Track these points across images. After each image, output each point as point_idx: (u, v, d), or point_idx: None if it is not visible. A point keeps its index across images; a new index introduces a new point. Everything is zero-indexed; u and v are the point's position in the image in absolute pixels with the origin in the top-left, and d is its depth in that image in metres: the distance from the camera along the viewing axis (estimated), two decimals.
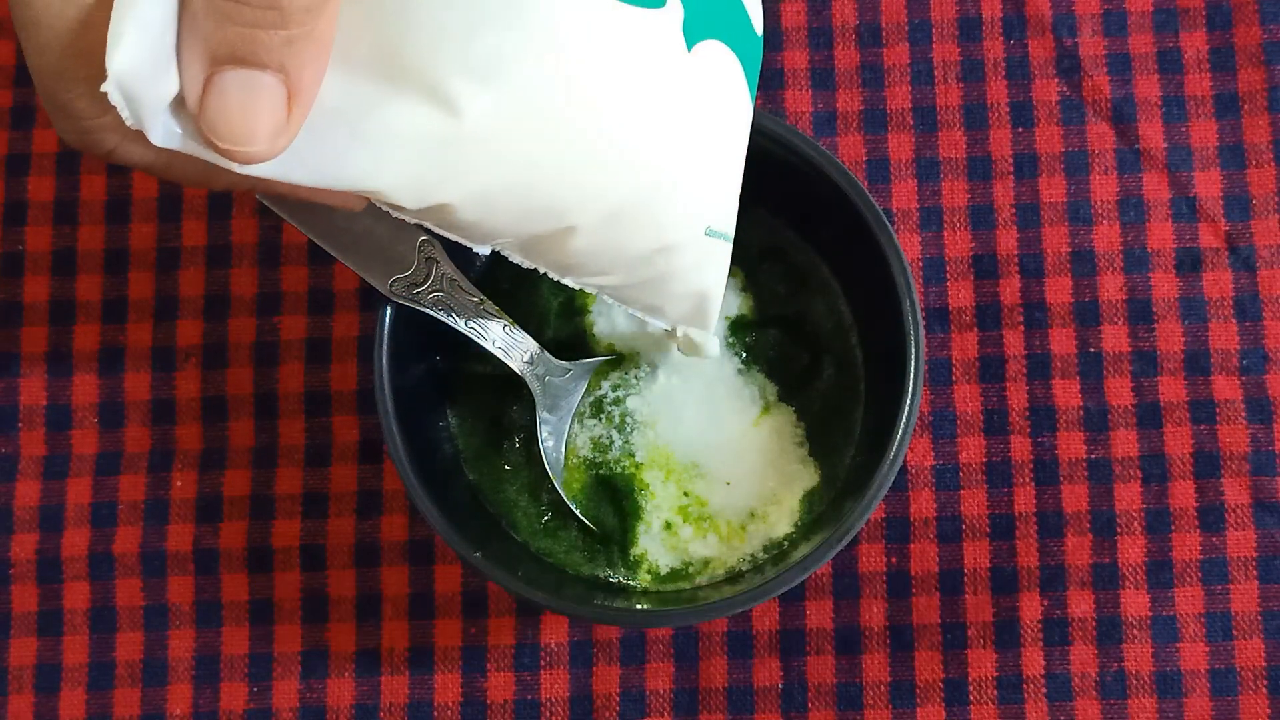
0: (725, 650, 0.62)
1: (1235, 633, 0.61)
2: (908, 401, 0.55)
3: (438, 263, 0.55)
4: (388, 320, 0.56)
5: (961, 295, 0.64)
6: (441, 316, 0.56)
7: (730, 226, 0.52)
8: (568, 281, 0.49)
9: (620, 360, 0.61)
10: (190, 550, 0.63)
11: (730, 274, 0.62)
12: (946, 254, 0.65)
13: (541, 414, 0.59)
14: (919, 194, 0.65)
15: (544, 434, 0.59)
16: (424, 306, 0.56)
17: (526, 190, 0.43)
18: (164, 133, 0.38)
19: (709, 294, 0.52)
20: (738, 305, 0.61)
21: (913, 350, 0.55)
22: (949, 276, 0.64)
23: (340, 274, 0.65)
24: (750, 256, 0.61)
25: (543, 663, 0.62)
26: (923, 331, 0.56)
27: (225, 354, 0.65)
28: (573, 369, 0.60)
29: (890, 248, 0.56)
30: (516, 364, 0.58)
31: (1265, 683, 0.61)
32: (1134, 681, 0.61)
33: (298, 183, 0.41)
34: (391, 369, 0.56)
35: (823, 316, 0.61)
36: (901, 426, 0.54)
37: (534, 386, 0.59)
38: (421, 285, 0.55)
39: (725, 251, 0.52)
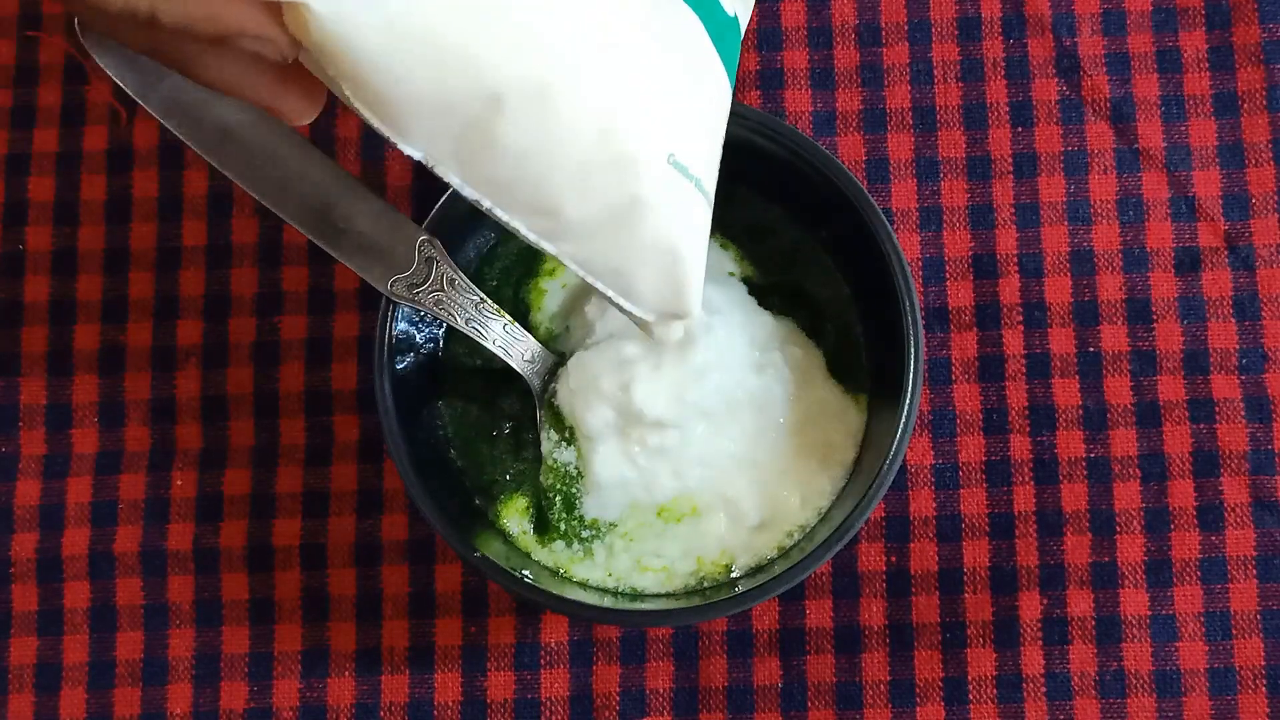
0: (725, 649, 0.62)
1: (1234, 632, 0.61)
2: (908, 401, 0.55)
3: (437, 262, 0.55)
4: (388, 320, 0.56)
5: (961, 295, 0.64)
6: (442, 316, 0.56)
7: (703, 172, 0.48)
8: (528, 237, 0.46)
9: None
10: (190, 549, 0.63)
11: (724, 246, 0.62)
12: (946, 254, 0.65)
13: (542, 411, 0.59)
14: (919, 194, 0.65)
15: (546, 432, 0.59)
16: (424, 306, 0.56)
17: (438, 29, 0.41)
18: None
19: (680, 253, 0.49)
20: (740, 270, 0.61)
21: (913, 350, 0.55)
22: (949, 276, 0.64)
23: (340, 274, 0.65)
24: (748, 245, 0.61)
25: (543, 662, 0.62)
26: (922, 331, 0.56)
27: (225, 354, 0.65)
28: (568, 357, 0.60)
29: (890, 248, 0.56)
30: (516, 362, 0.58)
31: (1264, 682, 0.61)
32: (1133, 680, 0.61)
33: None
34: (391, 369, 0.56)
35: (819, 289, 0.61)
36: (901, 426, 0.55)
37: (534, 384, 0.59)
38: (421, 285, 0.56)
39: (697, 202, 0.48)
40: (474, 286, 0.57)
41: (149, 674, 0.62)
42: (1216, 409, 0.63)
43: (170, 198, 0.66)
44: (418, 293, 0.56)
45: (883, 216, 0.56)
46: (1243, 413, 0.63)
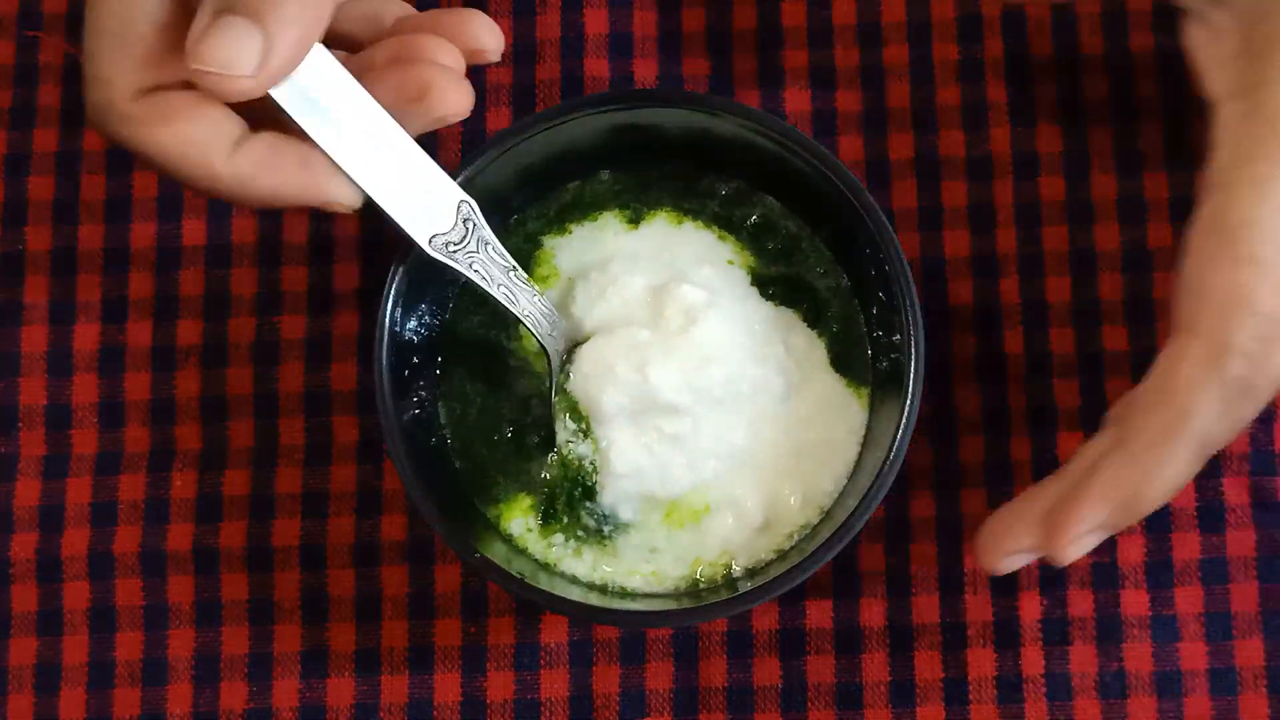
0: (725, 650, 0.62)
1: (1235, 632, 0.61)
2: (908, 402, 0.55)
3: (475, 225, 0.55)
4: (387, 319, 0.56)
5: (961, 295, 0.64)
6: (475, 279, 0.55)
7: None
8: None
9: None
10: (190, 550, 0.63)
11: (722, 238, 0.61)
12: (946, 254, 0.64)
13: (556, 397, 0.59)
14: (919, 194, 0.65)
15: (561, 420, 0.59)
16: (459, 266, 0.55)
17: None
18: None
19: None
20: (740, 260, 0.61)
21: (913, 350, 0.55)
22: (949, 276, 0.64)
23: (340, 274, 0.65)
24: (747, 239, 0.61)
25: (542, 662, 0.62)
26: (923, 331, 0.56)
27: (225, 354, 0.65)
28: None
29: (890, 248, 0.56)
30: (543, 333, 0.58)
31: (1265, 682, 0.61)
32: (1134, 681, 0.61)
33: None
34: (391, 368, 0.56)
35: (820, 281, 0.61)
36: (901, 426, 0.54)
37: (553, 361, 0.58)
38: (458, 245, 0.55)
39: None
40: (506, 253, 0.56)
41: (148, 675, 0.62)
42: None
43: (170, 197, 0.66)
44: (455, 252, 0.55)
45: (883, 216, 0.56)
46: None
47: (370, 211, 0.65)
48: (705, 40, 0.67)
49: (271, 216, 0.65)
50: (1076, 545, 0.50)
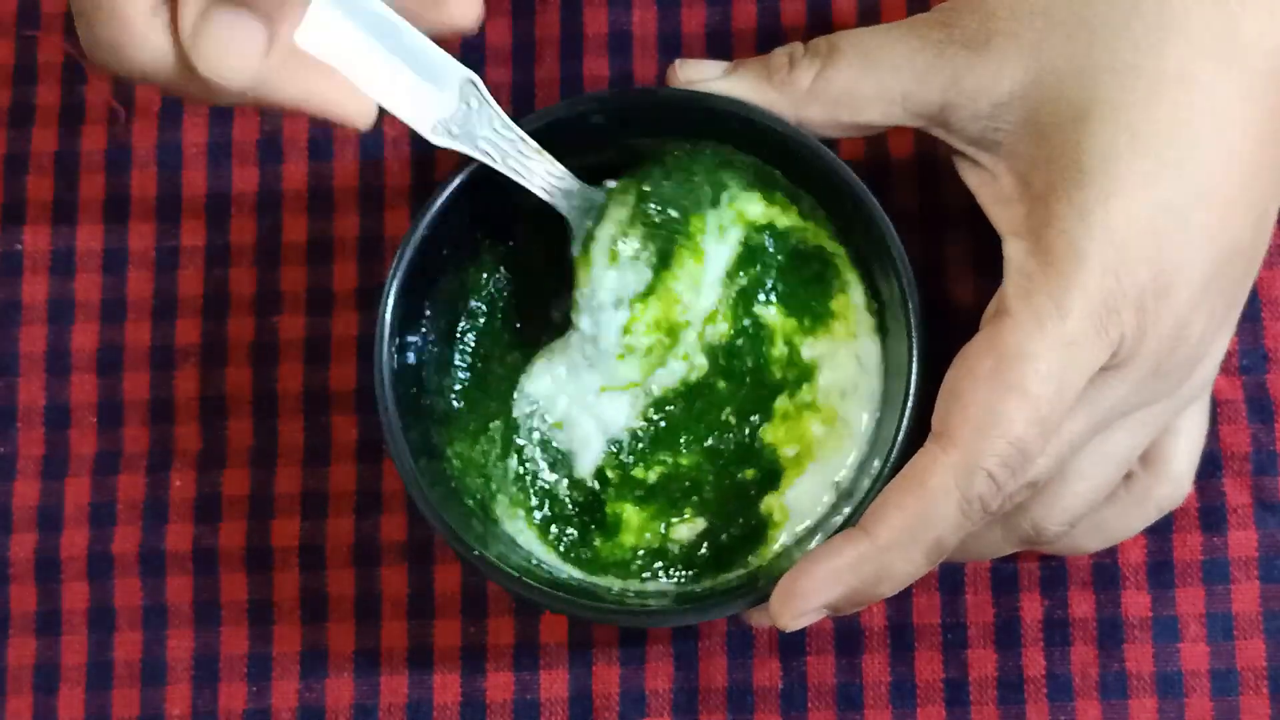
0: (725, 650, 0.62)
1: (1236, 633, 0.61)
2: (909, 404, 0.55)
3: (479, 102, 0.54)
4: (388, 318, 0.56)
5: (962, 295, 0.64)
6: (481, 157, 0.55)
7: None
8: None
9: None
10: (189, 550, 0.63)
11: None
12: (946, 253, 0.64)
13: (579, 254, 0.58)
14: (919, 193, 0.65)
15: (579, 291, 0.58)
16: (464, 146, 0.54)
17: None
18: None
19: None
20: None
21: (914, 352, 0.55)
22: (949, 276, 0.64)
23: (339, 274, 0.65)
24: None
25: (542, 663, 0.62)
26: (924, 333, 0.55)
27: (224, 354, 0.65)
28: (609, 188, 0.58)
29: (892, 246, 0.56)
30: (562, 204, 0.57)
31: (1266, 683, 0.61)
32: (1135, 682, 0.61)
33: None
34: (392, 367, 0.56)
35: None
36: (902, 428, 0.54)
37: (579, 230, 0.57)
38: (461, 126, 0.54)
39: None
40: (513, 124, 0.55)
41: (147, 675, 0.62)
42: (1218, 410, 0.62)
43: (168, 197, 0.66)
44: (458, 134, 0.54)
45: (884, 214, 0.56)
46: (1244, 413, 0.62)
47: (369, 210, 0.66)
48: (705, 40, 0.67)
49: (270, 214, 0.65)
50: (800, 620, 0.51)
